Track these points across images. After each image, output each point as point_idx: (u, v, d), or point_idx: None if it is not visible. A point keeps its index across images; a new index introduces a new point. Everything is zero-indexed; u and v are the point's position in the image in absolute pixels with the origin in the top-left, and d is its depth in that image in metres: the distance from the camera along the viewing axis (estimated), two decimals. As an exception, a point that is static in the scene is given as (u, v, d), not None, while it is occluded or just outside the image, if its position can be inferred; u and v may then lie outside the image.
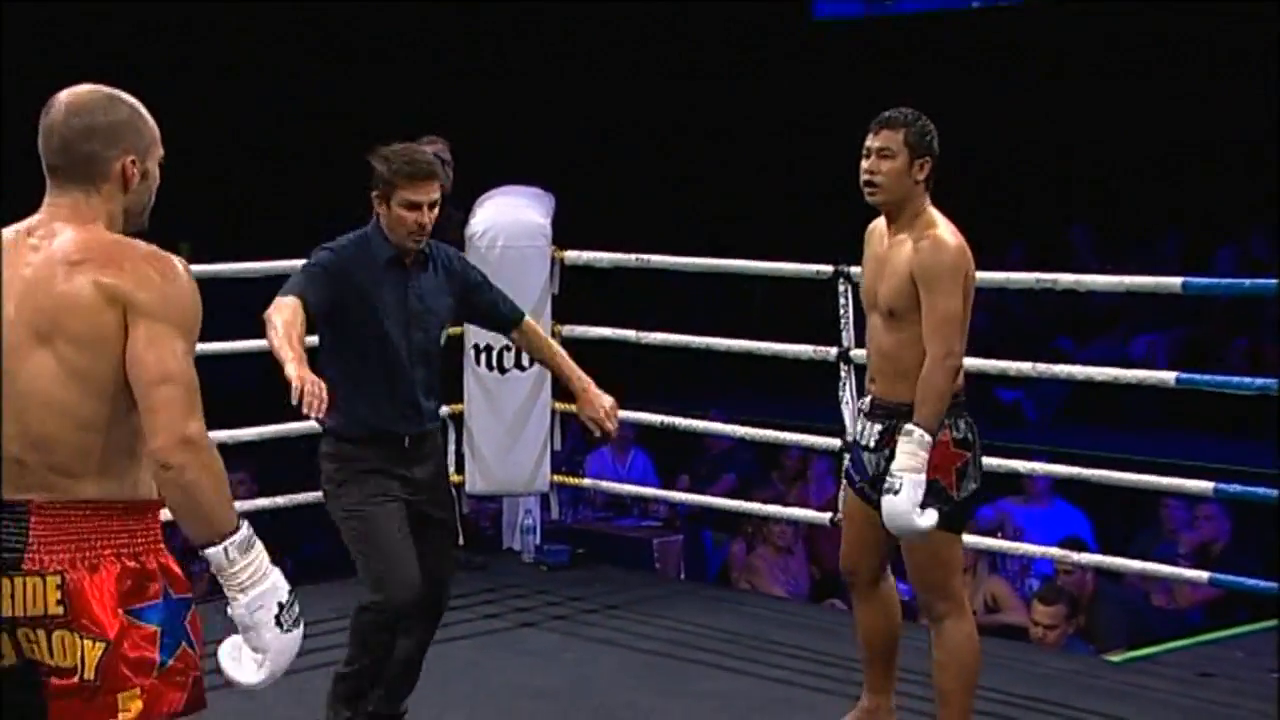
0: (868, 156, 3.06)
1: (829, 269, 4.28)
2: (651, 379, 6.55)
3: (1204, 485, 3.91)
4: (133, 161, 1.96)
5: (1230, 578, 4.04)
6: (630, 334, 4.81)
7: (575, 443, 6.41)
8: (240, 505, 5.03)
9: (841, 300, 4.23)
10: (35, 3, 8.27)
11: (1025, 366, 4.22)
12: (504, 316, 3.40)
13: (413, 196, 3.14)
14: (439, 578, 3.28)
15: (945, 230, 3.03)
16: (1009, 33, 9.48)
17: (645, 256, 4.79)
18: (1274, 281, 4.50)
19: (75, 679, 1.89)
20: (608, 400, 3.24)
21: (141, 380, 1.88)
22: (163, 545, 1.96)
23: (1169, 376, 4.05)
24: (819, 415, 4.67)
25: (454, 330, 4.81)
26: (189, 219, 7.81)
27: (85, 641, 1.88)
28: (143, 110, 2.00)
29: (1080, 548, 4.98)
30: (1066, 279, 4.12)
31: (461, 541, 4.91)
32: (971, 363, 4.17)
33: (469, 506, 5.07)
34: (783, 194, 9.61)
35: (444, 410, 4.78)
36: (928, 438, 2.95)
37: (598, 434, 3.35)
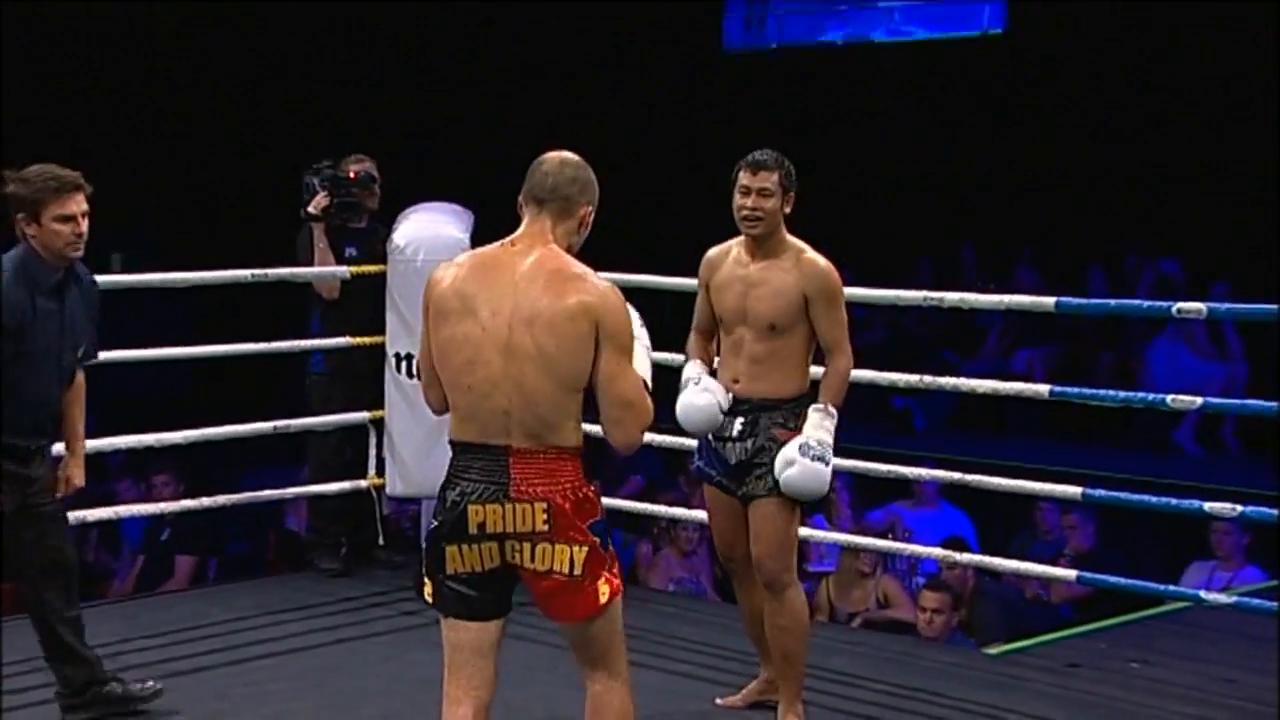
0: (747, 194, 3.38)
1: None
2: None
3: (1074, 490, 4.14)
4: (589, 211, 2.65)
5: (1096, 576, 4.29)
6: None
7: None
8: (165, 506, 5.17)
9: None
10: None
11: (914, 378, 4.45)
12: (86, 356, 3.47)
13: (64, 210, 3.24)
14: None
15: (815, 254, 3.40)
16: (910, 67, 9.86)
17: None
18: (1140, 302, 4.86)
19: (563, 576, 2.54)
20: (78, 479, 3.47)
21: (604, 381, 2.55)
22: (589, 477, 2.59)
23: (1043, 389, 4.28)
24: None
25: (376, 339, 4.99)
26: (121, 231, 7.83)
27: (572, 549, 2.54)
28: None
29: (963, 548, 5.24)
30: (952, 297, 4.34)
31: (382, 541, 5.12)
32: (866, 374, 4.47)
33: (389, 508, 5.20)
34: (692, 215, 9.86)
35: (365, 416, 4.98)
36: (835, 416, 3.35)
37: (60, 493, 3.47)
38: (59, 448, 3.53)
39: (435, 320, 2.60)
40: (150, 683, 3.61)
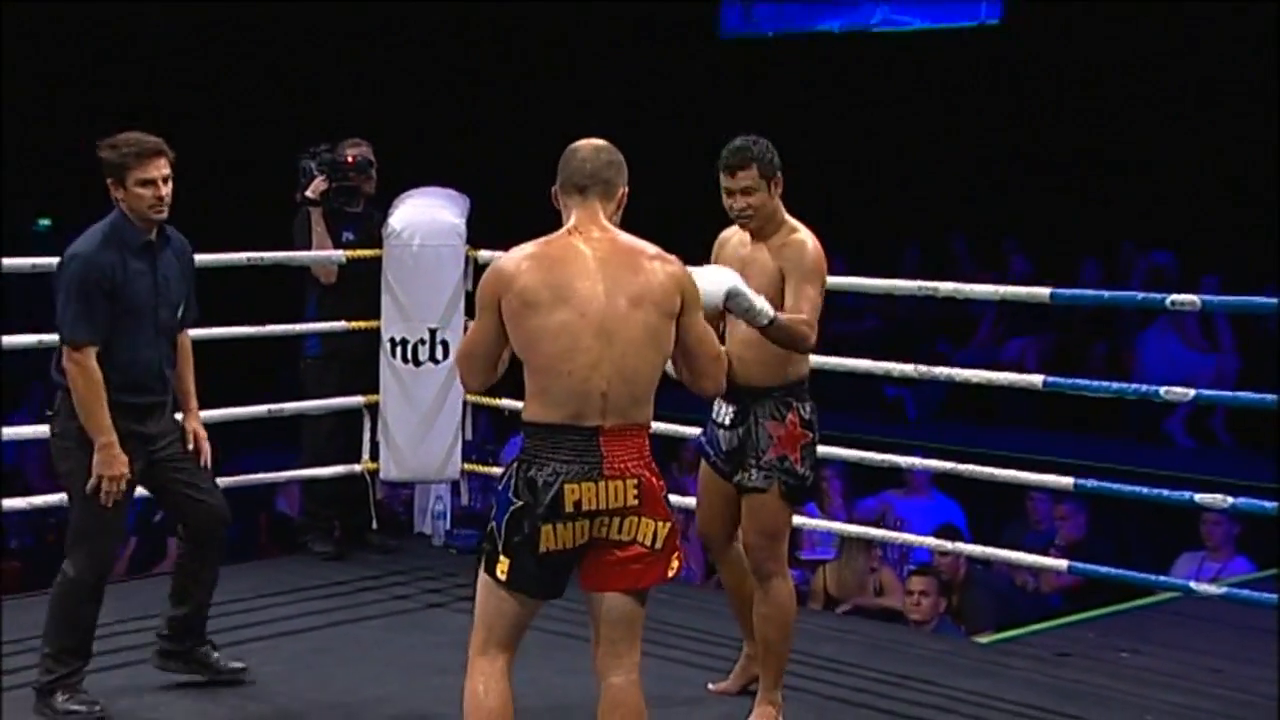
0: (731, 195, 3.36)
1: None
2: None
3: (1065, 481, 4.17)
4: (625, 192, 2.76)
5: (1086, 566, 4.32)
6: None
7: (486, 433, 6.58)
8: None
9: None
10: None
11: (908, 368, 4.47)
12: (187, 318, 3.62)
13: (145, 174, 3.40)
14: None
15: (805, 234, 3.39)
16: (905, 56, 9.86)
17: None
18: (1136, 294, 4.87)
19: (644, 549, 2.66)
20: (202, 432, 3.62)
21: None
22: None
23: (1037, 380, 4.30)
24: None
25: (372, 323, 5.00)
26: (50, 195, 7.78)
27: (657, 523, 2.66)
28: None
29: (955, 536, 5.25)
30: (946, 287, 4.36)
31: (375, 525, 5.13)
32: (859, 363, 4.49)
33: (383, 492, 5.20)
34: (687, 201, 9.86)
35: (359, 400, 4.99)
36: (770, 313, 3.20)
37: (190, 448, 3.61)
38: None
39: (521, 312, 2.64)
40: (238, 663, 3.73)
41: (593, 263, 2.65)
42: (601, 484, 2.62)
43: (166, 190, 3.43)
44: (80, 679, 3.50)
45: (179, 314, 3.55)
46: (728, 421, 3.45)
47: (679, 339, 2.70)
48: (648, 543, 2.66)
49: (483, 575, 2.71)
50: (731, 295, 3.16)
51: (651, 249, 2.71)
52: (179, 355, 3.60)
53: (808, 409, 3.43)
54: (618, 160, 2.77)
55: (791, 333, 3.27)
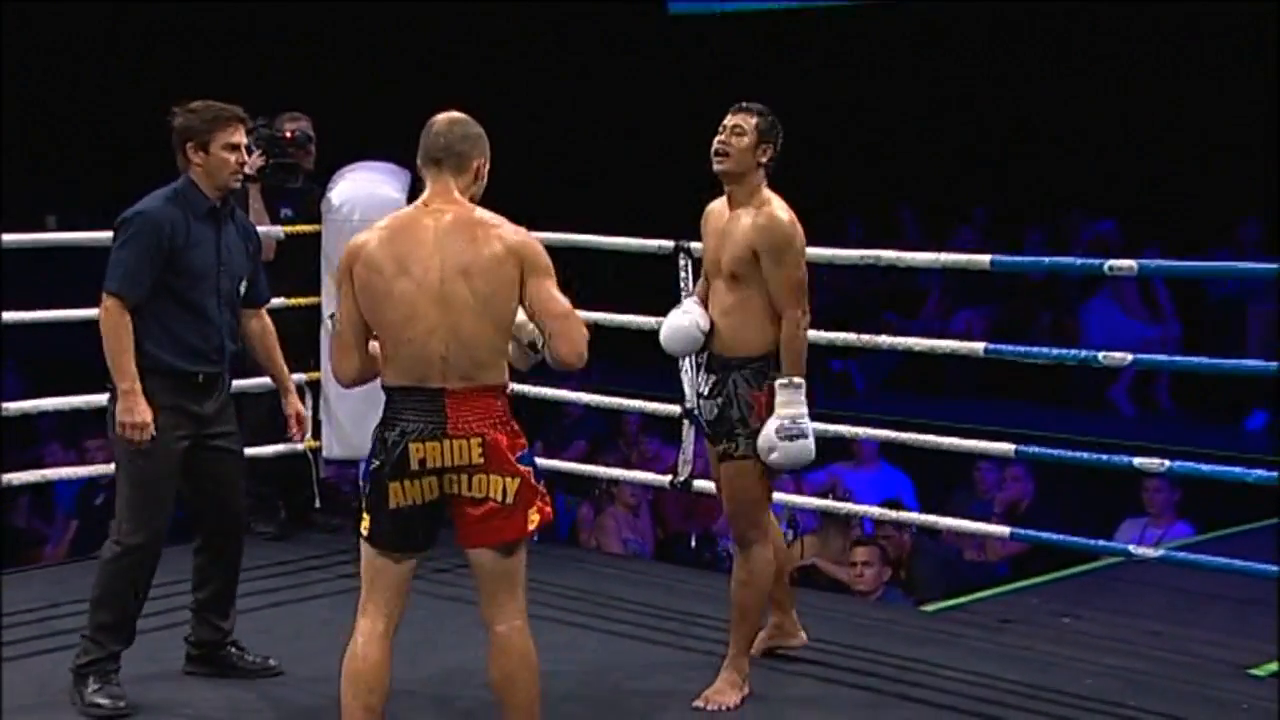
0: (722, 132, 3.45)
1: (670, 244, 4.51)
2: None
3: (1006, 447, 4.20)
4: (483, 163, 2.83)
5: (1028, 532, 4.37)
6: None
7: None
8: (98, 470, 5.08)
9: (682, 274, 4.46)
10: None
11: (851, 337, 4.49)
12: (257, 296, 3.63)
13: (231, 139, 3.42)
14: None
15: (779, 207, 3.42)
16: (853, 30, 9.87)
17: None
18: (1074, 260, 4.90)
19: (497, 504, 2.75)
20: (302, 409, 3.68)
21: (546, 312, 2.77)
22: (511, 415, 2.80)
23: (978, 347, 4.31)
24: (664, 384, 4.86)
25: (311, 300, 4.94)
26: (56, 192, 7.71)
27: (505, 479, 2.75)
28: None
29: (901, 509, 5.32)
30: (889, 255, 4.37)
31: (319, 504, 5.09)
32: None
33: (326, 471, 5.18)
34: (637, 176, 9.85)
35: (301, 378, 4.93)
36: (803, 385, 3.39)
37: (293, 433, 3.66)
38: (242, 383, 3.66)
39: (368, 282, 2.76)
40: (272, 660, 3.69)
41: (433, 234, 2.75)
42: (446, 443, 2.74)
43: (245, 157, 3.47)
44: (115, 666, 3.44)
45: (241, 287, 3.51)
46: (706, 391, 3.51)
47: (524, 306, 2.78)
48: (499, 498, 2.75)
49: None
50: (794, 431, 3.35)
51: (496, 221, 2.79)
52: (265, 335, 3.61)
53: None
54: (473, 133, 2.84)
55: (794, 351, 3.38)
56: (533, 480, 2.79)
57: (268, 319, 3.66)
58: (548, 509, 2.83)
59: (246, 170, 4.79)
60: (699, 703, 3.46)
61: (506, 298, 2.75)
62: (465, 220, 2.78)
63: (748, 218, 3.40)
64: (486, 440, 2.74)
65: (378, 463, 2.77)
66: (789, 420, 3.37)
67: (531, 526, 2.79)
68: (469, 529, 2.80)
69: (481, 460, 2.75)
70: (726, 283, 3.44)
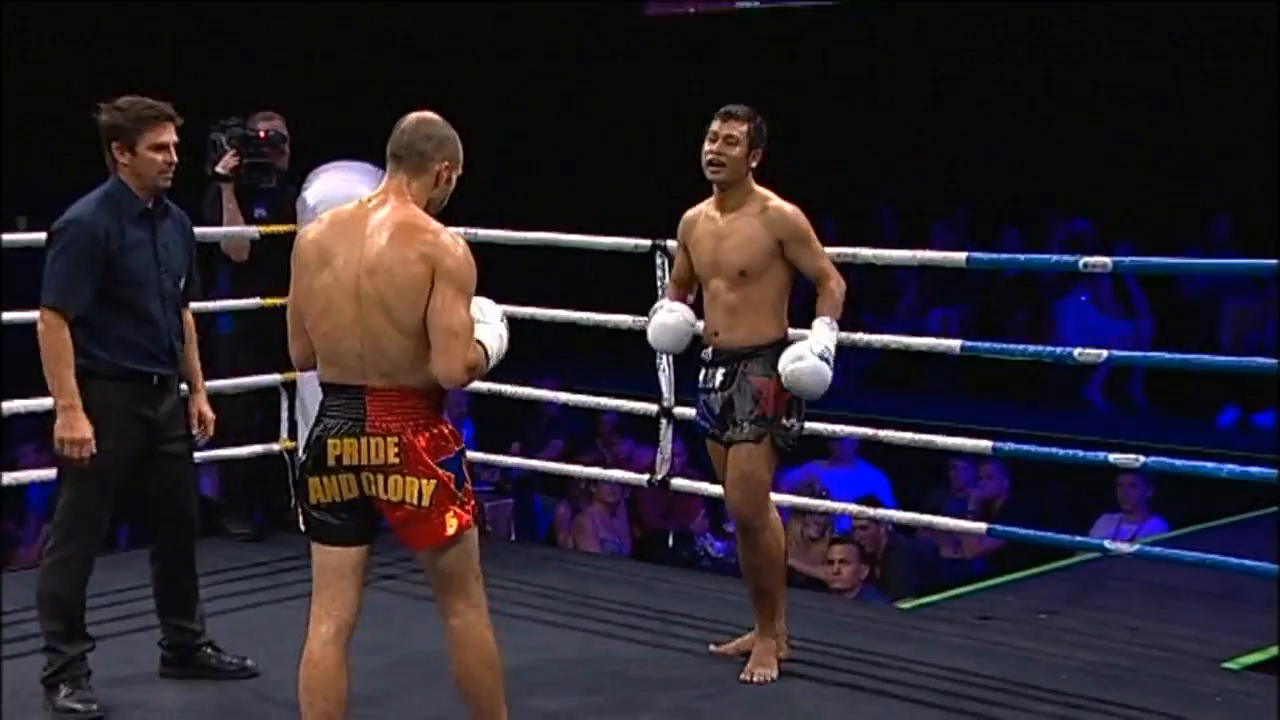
0: (714, 140, 3.50)
1: (647, 243, 4.52)
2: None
3: (983, 444, 4.22)
4: (447, 167, 2.76)
5: (1005, 528, 4.38)
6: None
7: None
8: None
9: (659, 272, 4.47)
10: None
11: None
12: (189, 292, 3.59)
13: (159, 139, 3.33)
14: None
15: (777, 199, 3.54)
16: (830, 29, 9.89)
17: (473, 230, 4.94)
18: (1049, 256, 4.92)
19: (413, 507, 2.69)
20: (209, 412, 3.59)
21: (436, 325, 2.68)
22: (444, 416, 2.74)
23: (955, 344, 4.34)
24: (640, 383, 4.84)
25: (286, 300, 4.90)
26: (27, 194, 7.63)
27: (421, 481, 2.69)
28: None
29: (877, 506, 5.31)
30: (866, 253, 4.39)
31: (294, 505, 5.05)
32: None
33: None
34: (614, 176, 9.84)
35: (277, 378, 4.92)
36: (836, 328, 3.50)
37: (195, 432, 3.60)
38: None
39: (298, 273, 2.78)
40: (249, 661, 3.66)
41: (364, 231, 2.72)
42: (363, 440, 2.70)
43: (175, 156, 3.36)
44: (84, 670, 3.41)
45: (182, 284, 3.47)
46: (718, 385, 3.56)
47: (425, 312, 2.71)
48: (414, 501, 2.71)
49: None
50: (825, 355, 3.39)
51: (428, 225, 2.72)
52: (184, 329, 3.52)
53: None
54: (439, 135, 2.78)
55: (836, 304, 3.51)
56: (453, 486, 2.72)
57: (189, 316, 3.58)
58: (466, 514, 2.75)
59: (220, 169, 4.82)
60: (744, 676, 3.59)
61: (412, 302, 2.67)
62: (398, 219, 2.72)
63: (755, 216, 3.50)
64: (403, 441, 2.69)
65: (303, 457, 2.79)
66: (822, 344, 3.43)
67: (450, 531, 2.72)
68: (399, 532, 2.78)
69: (397, 460, 2.69)
70: (730, 281, 3.52)
